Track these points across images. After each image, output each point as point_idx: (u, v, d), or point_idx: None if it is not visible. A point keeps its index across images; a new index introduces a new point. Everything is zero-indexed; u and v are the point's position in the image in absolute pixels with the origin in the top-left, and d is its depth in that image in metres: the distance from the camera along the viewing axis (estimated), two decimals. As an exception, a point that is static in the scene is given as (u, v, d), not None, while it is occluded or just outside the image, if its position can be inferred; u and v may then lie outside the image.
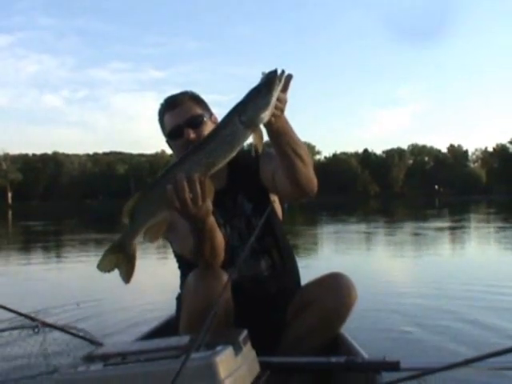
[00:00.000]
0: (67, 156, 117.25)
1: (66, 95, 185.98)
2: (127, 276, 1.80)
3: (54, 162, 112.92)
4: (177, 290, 2.46)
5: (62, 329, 3.12)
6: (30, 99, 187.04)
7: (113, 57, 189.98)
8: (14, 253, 12.65)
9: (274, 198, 2.38)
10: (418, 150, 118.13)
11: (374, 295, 5.54)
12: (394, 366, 1.93)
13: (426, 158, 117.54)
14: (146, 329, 2.82)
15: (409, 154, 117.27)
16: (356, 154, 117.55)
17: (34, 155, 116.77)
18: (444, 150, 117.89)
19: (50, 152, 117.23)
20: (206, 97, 2.39)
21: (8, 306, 2.97)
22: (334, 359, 2.00)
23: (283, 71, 1.69)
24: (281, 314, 2.35)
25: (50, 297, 6.08)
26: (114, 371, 1.60)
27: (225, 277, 2.06)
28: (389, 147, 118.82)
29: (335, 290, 2.23)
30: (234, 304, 2.16)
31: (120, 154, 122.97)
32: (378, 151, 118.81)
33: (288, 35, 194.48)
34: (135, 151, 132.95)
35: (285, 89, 1.73)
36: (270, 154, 2.14)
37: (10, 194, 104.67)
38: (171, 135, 2.30)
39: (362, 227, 19.24)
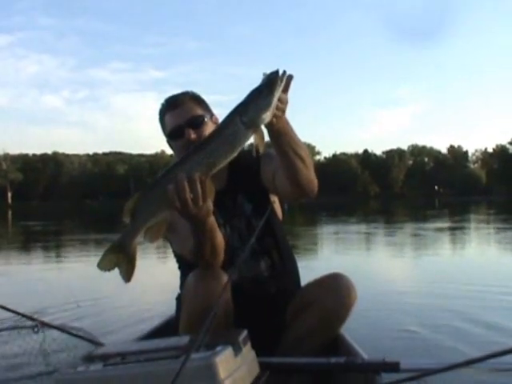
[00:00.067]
0: (67, 156, 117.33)
1: (66, 95, 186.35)
2: (127, 275, 1.80)
3: (54, 162, 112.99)
4: (176, 290, 2.46)
5: (61, 329, 3.12)
6: (30, 99, 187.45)
7: (113, 57, 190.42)
8: (13, 253, 12.65)
9: (274, 199, 2.38)
10: (417, 151, 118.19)
11: (374, 296, 5.53)
12: (393, 367, 1.93)
13: (426, 159, 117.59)
14: (145, 329, 2.82)
15: (409, 154, 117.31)
16: (356, 155, 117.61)
17: (34, 155, 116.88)
18: (444, 150, 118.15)
19: (49, 152, 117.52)
20: (206, 97, 2.39)
21: (7, 306, 2.96)
22: (333, 360, 2.00)
23: (284, 72, 1.69)
24: (280, 314, 2.35)
25: (49, 297, 6.08)
26: (113, 371, 1.60)
27: (225, 277, 2.06)
28: (389, 148, 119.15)
29: (335, 291, 2.23)
30: (234, 304, 2.16)
31: (120, 154, 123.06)
32: (378, 152, 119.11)
33: (288, 35, 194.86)
34: (135, 151, 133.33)
35: (286, 89, 1.73)
36: (270, 154, 2.14)
37: (9, 194, 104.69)
38: (172, 135, 2.30)
39: (362, 228, 19.23)
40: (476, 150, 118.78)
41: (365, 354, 2.15)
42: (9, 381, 3.06)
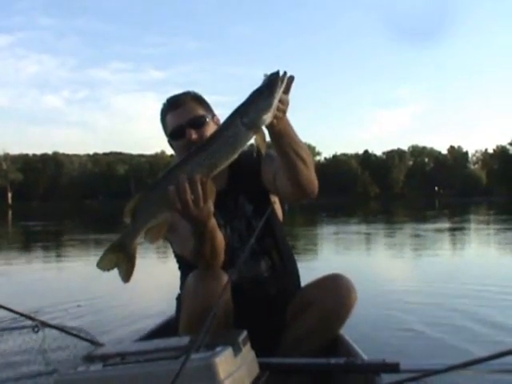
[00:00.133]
0: (67, 156, 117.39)
1: (66, 95, 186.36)
2: (127, 275, 1.80)
3: (54, 162, 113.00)
4: (176, 290, 2.46)
5: (61, 329, 3.12)
6: (30, 99, 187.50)
7: (113, 57, 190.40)
8: (13, 253, 12.65)
9: (275, 199, 2.38)
10: (418, 152, 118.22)
11: (374, 296, 5.53)
12: (393, 368, 1.94)
13: (426, 160, 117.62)
14: (145, 329, 2.82)
15: (409, 155, 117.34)
16: (356, 155, 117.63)
17: (34, 155, 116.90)
18: (444, 151, 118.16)
19: (50, 152, 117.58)
20: (206, 97, 2.39)
21: (7, 306, 2.97)
22: (333, 360, 2.00)
23: (285, 73, 1.68)
24: (280, 315, 2.35)
25: (49, 296, 6.08)
26: (113, 372, 1.60)
27: (225, 278, 2.06)
28: (389, 148, 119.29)
29: (335, 292, 2.23)
30: (234, 305, 2.16)
31: (120, 154, 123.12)
32: (378, 152, 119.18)
33: (288, 35, 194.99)
34: (135, 152, 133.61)
35: (287, 90, 1.72)
36: (271, 155, 2.14)
37: (10, 194, 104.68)
38: (173, 135, 2.30)
39: (362, 228, 19.23)
40: (476, 151, 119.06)
41: (365, 354, 2.15)
42: (9, 380, 3.06)
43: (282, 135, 1.84)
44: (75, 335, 3.11)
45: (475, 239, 14.43)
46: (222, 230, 2.12)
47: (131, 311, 5.18)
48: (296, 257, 2.55)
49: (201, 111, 2.30)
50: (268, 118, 1.68)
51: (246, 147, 1.75)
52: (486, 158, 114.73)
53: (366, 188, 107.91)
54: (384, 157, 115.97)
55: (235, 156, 1.73)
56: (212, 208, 1.83)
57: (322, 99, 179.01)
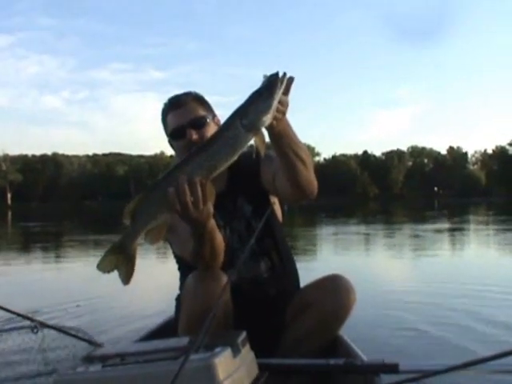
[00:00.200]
0: (67, 157, 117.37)
1: (66, 96, 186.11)
2: (127, 277, 1.80)
3: (53, 163, 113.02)
4: (176, 290, 2.46)
5: (60, 329, 3.12)
6: (30, 100, 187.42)
7: (113, 57, 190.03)
8: (13, 253, 12.64)
9: (274, 200, 2.38)
10: (417, 152, 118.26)
11: (373, 297, 5.54)
12: (392, 369, 1.94)
13: (426, 160, 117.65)
14: (145, 330, 2.82)
15: (408, 155, 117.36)
16: (355, 156, 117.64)
17: (33, 156, 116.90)
18: (443, 151, 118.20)
19: (49, 153, 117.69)
20: (206, 98, 2.39)
21: (7, 307, 2.97)
22: (332, 361, 2.00)
23: (285, 74, 1.68)
24: (280, 315, 2.35)
25: (48, 297, 6.08)
26: (112, 372, 1.60)
27: (224, 278, 2.06)
28: (388, 148, 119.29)
29: (334, 292, 2.23)
30: (233, 306, 2.16)
31: (119, 155, 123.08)
32: (378, 153, 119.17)
33: (288, 34, 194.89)
34: (135, 152, 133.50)
35: (286, 92, 1.72)
36: (270, 155, 2.13)
37: (9, 195, 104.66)
38: (174, 135, 2.30)
39: (362, 229, 19.23)
40: (475, 152, 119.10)
41: (364, 355, 2.15)
42: (8, 381, 3.06)
43: (282, 136, 1.84)
44: (74, 335, 3.12)
45: (474, 240, 14.44)
46: (221, 231, 2.12)
47: (130, 311, 5.18)
48: (295, 257, 2.55)
49: (202, 112, 2.30)
50: (268, 119, 1.67)
51: (245, 148, 1.75)
52: (486, 159, 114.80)
53: (366, 188, 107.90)
54: (383, 157, 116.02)
55: (235, 158, 1.72)
56: (212, 210, 1.83)
57: (321, 99, 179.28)
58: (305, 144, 2.01)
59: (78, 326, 3.48)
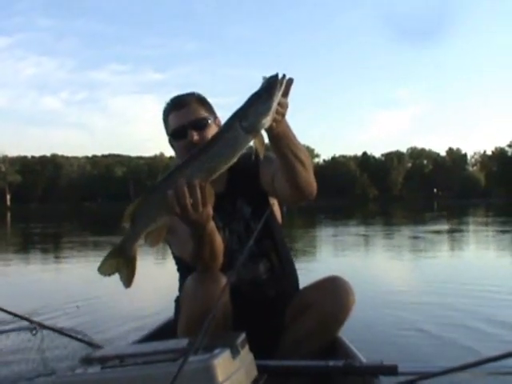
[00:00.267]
0: (66, 158, 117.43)
1: (65, 97, 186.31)
2: (128, 280, 1.80)
3: (52, 164, 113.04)
4: (175, 292, 2.46)
5: (59, 331, 3.12)
6: (29, 101, 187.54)
7: (112, 58, 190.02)
8: (12, 255, 12.63)
9: (274, 202, 2.38)
10: (416, 153, 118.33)
11: (373, 298, 5.53)
12: (391, 370, 1.94)
13: (425, 162, 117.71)
14: (144, 331, 2.82)
15: (408, 157, 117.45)
16: (355, 157, 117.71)
17: (32, 157, 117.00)
18: (443, 153, 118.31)
19: (48, 154, 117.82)
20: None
21: (6, 308, 2.97)
22: (331, 363, 2.00)
23: (284, 75, 1.67)
24: (279, 317, 2.35)
25: (48, 299, 6.07)
26: (111, 374, 1.60)
27: (223, 280, 2.06)
28: (387, 150, 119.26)
29: (333, 294, 2.23)
30: (233, 307, 2.16)
31: (119, 156, 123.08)
32: (377, 154, 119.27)
33: (287, 34, 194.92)
34: (134, 154, 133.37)
35: (286, 93, 1.71)
36: (269, 157, 2.13)
37: (8, 197, 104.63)
38: (174, 135, 2.30)
39: (361, 230, 19.23)
40: (475, 153, 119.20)
41: (363, 357, 2.15)
42: (7, 382, 3.06)
43: (281, 138, 1.83)
44: (73, 337, 3.12)
45: (473, 241, 14.44)
46: (220, 233, 2.12)
47: (130, 313, 5.17)
48: (294, 259, 2.55)
49: (204, 113, 2.30)
50: (267, 121, 1.67)
51: (244, 150, 1.75)
52: (485, 160, 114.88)
53: (365, 190, 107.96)
54: (383, 159, 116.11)
55: (234, 160, 1.72)
56: (211, 212, 1.83)
57: (321, 99, 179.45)
58: (304, 145, 2.01)
59: (77, 327, 3.49)
